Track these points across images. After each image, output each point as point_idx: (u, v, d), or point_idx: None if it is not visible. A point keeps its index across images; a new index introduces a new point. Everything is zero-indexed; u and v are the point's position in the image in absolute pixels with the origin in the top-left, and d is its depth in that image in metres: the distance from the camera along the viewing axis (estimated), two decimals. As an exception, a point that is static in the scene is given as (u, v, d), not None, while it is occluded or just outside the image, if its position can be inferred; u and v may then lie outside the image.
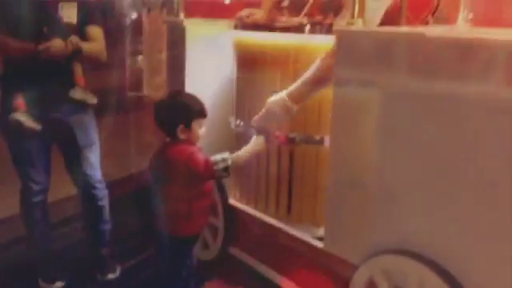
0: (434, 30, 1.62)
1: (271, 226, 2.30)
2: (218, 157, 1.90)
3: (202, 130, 1.97)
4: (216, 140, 2.33)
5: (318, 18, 2.48)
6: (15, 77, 2.22)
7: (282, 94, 2.00)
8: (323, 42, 2.07)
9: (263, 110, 2.06)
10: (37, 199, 2.45)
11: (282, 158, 2.33)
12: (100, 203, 2.55)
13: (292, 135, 2.25)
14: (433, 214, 1.55)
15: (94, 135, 2.47)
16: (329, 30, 2.05)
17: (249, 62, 2.37)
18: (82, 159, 2.43)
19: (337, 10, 2.25)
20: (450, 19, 2.24)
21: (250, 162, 2.20)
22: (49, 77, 2.22)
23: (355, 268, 1.79)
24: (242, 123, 2.45)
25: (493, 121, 1.37)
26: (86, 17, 2.33)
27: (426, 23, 2.21)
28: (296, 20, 2.39)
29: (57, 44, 2.14)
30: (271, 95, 2.05)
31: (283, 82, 2.12)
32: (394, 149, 1.64)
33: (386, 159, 1.68)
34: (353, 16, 1.74)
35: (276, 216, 2.37)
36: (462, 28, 1.77)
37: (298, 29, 2.22)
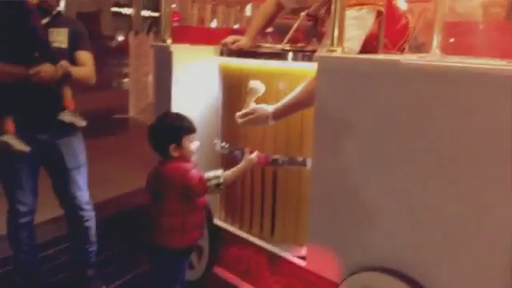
0: (408, 58, 1.72)
1: (256, 246, 2.35)
2: (210, 174, 1.99)
3: (193, 144, 2.06)
4: (201, 161, 2.39)
5: (300, 44, 2.59)
6: (5, 100, 2.26)
7: (270, 109, 2.12)
8: (305, 68, 2.17)
9: (251, 111, 2.15)
10: (23, 220, 2.47)
11: (266, 179, 2.41)
12: (87, 224, 2.57)
13: (275, 157, 2.33)
14: (410, 233, 1.62)
15: (82, 157, 2.51)
16: (310, 56, 2.14)
17: (234, 87, 2.44)
18: (70, 181, 2.47)
19: (319, 36, 2.35)
20: (426, 47, 2.36)
21: (235, 183, 2.29)
22: (39, 100, 2.28)
23: (336, 286, 1.85)
24: (226, 145, 2.52)
25: (467, 144, 1.45)
26: (76, 42, 2.39)
27: (403, 51, 2.32)
28: (279, 47, 2.50)
29: (47, 68, 2.21)
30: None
31: (266, 106, 2.21)
32: (372, 170, 1.72)
33: (365, 180, 1.75)
34: (332, 44, 1.82)
35: (260, 236, 2.42)
36: (434, 56, 1.87)
37: (281, 55, 2.32)
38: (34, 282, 2.60)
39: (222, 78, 2.59)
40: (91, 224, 2.60)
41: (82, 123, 2.35)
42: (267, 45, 2.67)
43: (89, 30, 2.54)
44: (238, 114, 2.18)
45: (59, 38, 2.35)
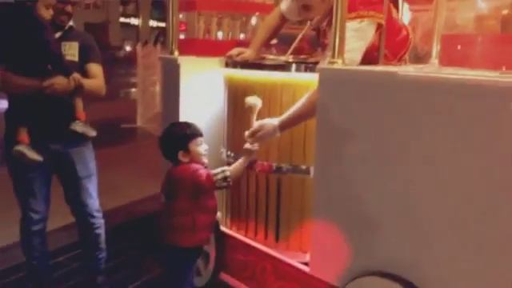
0: (406, 69, 1.78)
1: (260, 252, 2.41)
2: (217, 169, 2.14)
3: (201, 147, 2.17)
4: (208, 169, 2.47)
5: (303, 56, 2.66)
6: (20, 111, 2.35)
7: (275, 121, 2.18)
8: (308, 79, 2.25)
9: (258, 128, 2.21)
10: (36, 228, 2.55)
11: (270, 187, 2.47)
12: (97, 231, 2.65)
13: (279, 165, 2.40)
14: (411, 239, 1.67)
15: (93, 166, 2.59)
16: (312, 68, 2.21)
17: (239, 97, 2.51)
18: (81, 189, 2.55)
19: (323, 47, 2.42)
20: (426, 58, 2.42)
21: (240, 192, 2.35)
22: (52, 111, 2.37)
23: (339, 290, 1.90)
24: (232, 154, 2.59)
25: (464, 153, 1.50)
26: (87, 55, 2.49)
27: (404, 62, 2.39)
28: (283, 58, 2.57)
29: (60, 81, 2.30)
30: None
31: (270, 116, 2.27)
32: (372, 178, 1.78)
33: (365, 187, 1.81)
34: (333, 56, 1.89)
35: (265, 242, 2.48)
36: (431, 67, 1.93)
37: (285, 67, 2.39)
38: None
39: (228, 89, 2.66)
40: (101, 231, 2.67)
41: (93, 133, 2.43)
42: (271, 56, 2.74)
43: (97, 40, 2.64)
44: (247, 133, 2.24)
45: (71, 51, 2.44)
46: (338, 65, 1.87)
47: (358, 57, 2.08)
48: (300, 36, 2.69)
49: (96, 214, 2.63)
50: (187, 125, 2.22)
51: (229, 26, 3.14)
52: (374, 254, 1.79)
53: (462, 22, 1.85)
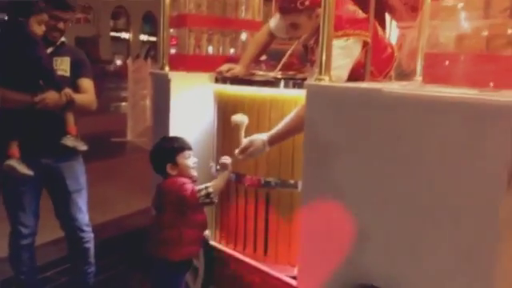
0: (391, 86, 1.83)
1: (249, 266, 2.43)
2: (202, 186, 2.15)
3: (190, 160, 2.21)
4: (198, 183, 2.49)
5: (292, 72, 2.72)
6: (11, 126, 2.37)
7: (264, 136, 2.21)
8: (296, 95, 2.29)
9: (248, 144, 2.23)
10: (25, 242, 2.55)
11: (259, 202, 2.50)
12: (86, 246, 2.65)
13: (268, 179, 2.43)
14: (398, 253, 1.69)
15: (83, 181, 2.61)
16: (300, 84, 2.26)
17: (228, 112, 2.53)
18: (71, 203, 2.56)
19: (311, 63, 2.48)
20: (412, 75, 2.47)
21: (229, 205, 2.38)
22: (43, 126, 2.39)
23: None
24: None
25: (445, 169, 1.54)
26: (78, 70, 2.52)
27: (389, 78, 2.45)
28: (271, 74, 2.62)
29: (52, 96, 2.33)
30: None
31: (259, 131, 2.31)
32: (359, 192, 1.81)
33: (352, 202, 1.84)
34: (320, 73, 1.94)
35: (254, 256, 2.50)
36: (415, 85, 1.98)
37: (273, 83, 2.44)
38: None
39: (217, 104, 2.70)
40: (90, 245, 2.68)
41: (84, 147, 2.45)
42: (260, 72, 2.79)
43: (87, 54, 2.68)
44: (237, 151, 2.26)
45: (63, 66, 2.47)
46: (325, 81, 1.91)
47: (345, 74, 2.14)
48: (289, 52, 2.75)
49: (85, 228, 2.63)
50: (175, 138, 2.27)
51: (219, 41, 3.19)
52: (361, 267, 1.82)
53: (444, 40, 1.90)
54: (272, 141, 2.22)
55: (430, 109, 1.57)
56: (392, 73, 2.45)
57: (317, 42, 2.13)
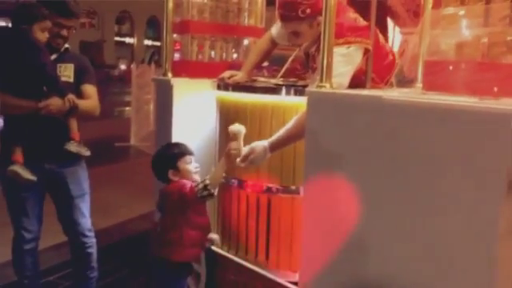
0: (391, 93, 1.85)
1: (251, 272, 2.44)
2: (199, 180, 2.19)
3: (191, 165, 2.24)
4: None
5: (293, 79, 2.73)
6: (16, 132, 2.39)
7: (265, 143, 2.22)
8: (297, 102, 2.31)
9: (249, 151, 2.23)
10: (28, 247, 2.57)
11: (261, 207, 2.51)
12: (89, 250, 2.66)
13: (270, 185, 2.44)
14: (399, 260, 1.69)
15: (86, 186, 2.63)
16: (301, 91, 2.27)
17: (230, 119, 2.54)
18: (74, 208, 2.57)
19: (313, 70, 2.49)
20: (414, 82, 2.48)
21: (231, 211, 2.39)
22: (47, 132, 2.41)
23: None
24: (224, 174, 2.63)
25: (445, 176, 1.54)
26: (82, 76, 2.54)
27: (391, 85, 2.46)
28: (273, 81, 2.64)
29: (55, 102, 2.35)
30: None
31: (261, 137, 2.32)
32: (360, 199, 1.82)
33: (353, 208, 1.85)
34: (321, 80, 1.95)
35: (255, 262, 2.51)
36: (415, 92, 1.99)
37: (275, 90, 2.46)
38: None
39: (219, 111, 2.72)
40: (93, 250, 2.68)
41: (87, 153, 2.47)
42: (262, 79, 2.81)
43: (91, 58, 2.70)
44: (238, 160, 2.25)
45: (66, 72, 2.49)
46: (326, 88, 1.92)
47: (346, 81, 2.15)
48: (291, 58, 2.76)
49: (88, 233, 2.65)
50: (176, 144, 2.32)
51: (221, 48, 3.21)
52: (362, 273, 1.83)
53: (444, 47, 1.91)
54: (273, 147, 2.24)
55: (429, 116, 1.58)
56: (393, 79, 2.46)
57: (318, 49, 2.14)
